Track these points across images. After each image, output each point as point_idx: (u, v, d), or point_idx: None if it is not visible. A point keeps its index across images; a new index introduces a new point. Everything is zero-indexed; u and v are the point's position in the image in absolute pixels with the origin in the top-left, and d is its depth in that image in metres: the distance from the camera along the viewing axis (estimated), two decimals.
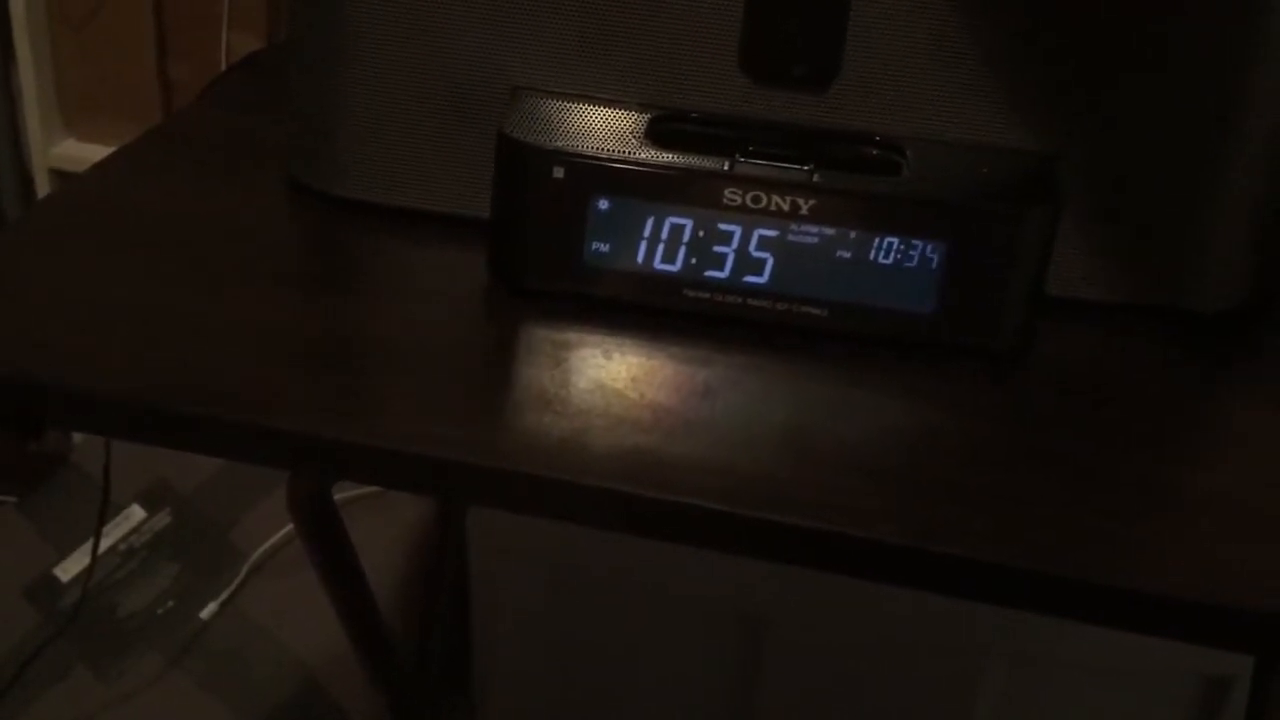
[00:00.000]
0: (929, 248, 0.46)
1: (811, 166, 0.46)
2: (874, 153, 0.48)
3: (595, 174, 0.47)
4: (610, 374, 0.45)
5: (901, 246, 0.46)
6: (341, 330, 0.47)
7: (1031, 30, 0.47)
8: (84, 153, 1.35)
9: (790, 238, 0.47)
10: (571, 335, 0.47)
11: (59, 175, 1.36)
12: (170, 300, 0.47)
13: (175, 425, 0.41)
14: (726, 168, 0.46)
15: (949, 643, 0.81)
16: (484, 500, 0.43)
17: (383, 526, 1.08)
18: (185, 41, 1.32)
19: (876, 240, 0.46)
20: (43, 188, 1.37)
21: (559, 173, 0.47)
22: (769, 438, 0.43)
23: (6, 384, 0.42)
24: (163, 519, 1.12)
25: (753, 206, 0.46)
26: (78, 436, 1.18)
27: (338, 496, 1.00)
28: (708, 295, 0.48)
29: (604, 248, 0.48)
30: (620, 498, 0.40)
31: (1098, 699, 0.83)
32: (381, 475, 0.43)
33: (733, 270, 0.47)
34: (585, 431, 0.42)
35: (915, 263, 0.46)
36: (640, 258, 0.47)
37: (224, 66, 1.25)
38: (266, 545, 1.08)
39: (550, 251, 0.48)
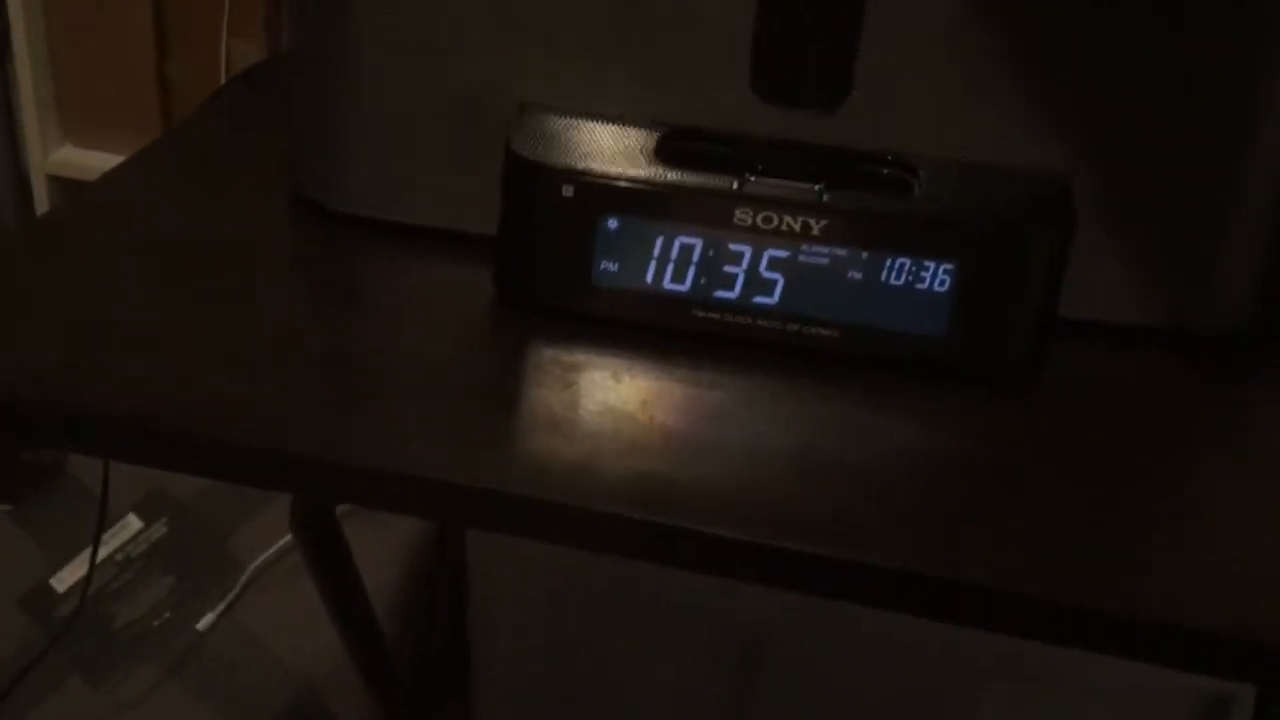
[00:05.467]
0: (940, 268, 0.46)
1: (822, 186, 0.46)
2: (885, 172, 0.47)
3: (604, 193, 0.46)
4: (620, 396, 0.44)
5: (913, 267, 0.46)
6: (345, 349, 0.46)
7: (1045, 49, 0.47)
8: (82, 159, 1.34)
9: (801, 258, 0.46)
10: (580, 356, 0.47)
11: (57, 182, 1.36)
12: (170, 317, 0.46)
13: (169, 448, 0.41)
14: (736, 187, 0.46)
15: (951, 662, 0.81)
16: (491, 526, 0.42)
17: (381, 536, 1.07)
18: (184, 45, 1.31)
19: (887, 261, 0.46)
20: (40, 194, 1.36)
21: (568, 191, 0.46)
22: (779, 461, 0.43)
23: None
24: (160, 529, 1.12)
25: (763, 227, 0.46)
26: None
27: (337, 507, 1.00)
28: (717, 316, 0.47)
29: (613, 267, 0.47)
30: (630, 524, 0.40)
31: (1099, 717, 0.83)
32: (386, 500, 0.42)
33: (742, 291, 0.47)
34: (594, 455, 0.41)
35: (926, 284, 0.46)
36: (649, 277, 0.47)
37: (223, 70, 1.25)
38: (264, 556, 1.08)
39: (558, 270, 0.47)
